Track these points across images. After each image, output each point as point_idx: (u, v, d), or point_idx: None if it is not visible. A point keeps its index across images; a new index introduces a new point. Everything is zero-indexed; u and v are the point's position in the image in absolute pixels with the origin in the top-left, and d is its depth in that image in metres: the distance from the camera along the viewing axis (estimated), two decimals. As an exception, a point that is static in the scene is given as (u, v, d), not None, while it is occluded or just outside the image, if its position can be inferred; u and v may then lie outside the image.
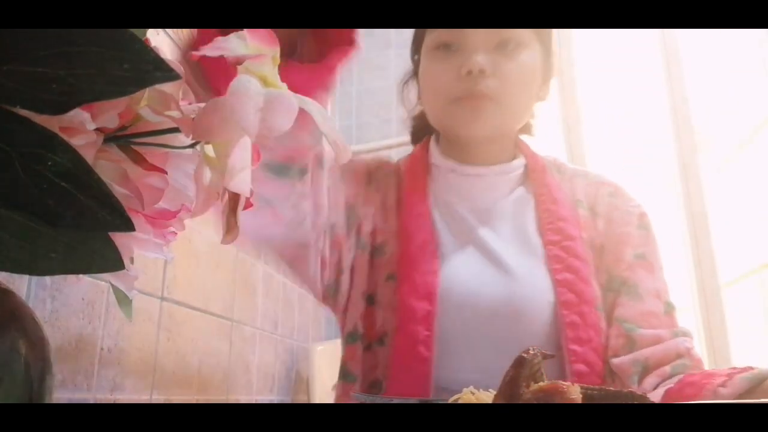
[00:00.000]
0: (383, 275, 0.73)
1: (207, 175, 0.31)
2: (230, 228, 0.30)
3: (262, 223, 0.63)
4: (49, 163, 0.26)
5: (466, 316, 0.70)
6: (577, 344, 0.68)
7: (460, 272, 0.72)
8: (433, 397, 0.66)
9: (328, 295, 0.75)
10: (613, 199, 0.81)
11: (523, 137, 0.85)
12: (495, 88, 0.71)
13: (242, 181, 0.28)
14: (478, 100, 0.71)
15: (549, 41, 0.77)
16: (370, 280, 0.74)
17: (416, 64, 0.82)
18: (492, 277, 0.72)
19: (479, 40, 0.71)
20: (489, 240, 0.75)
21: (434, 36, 0.74)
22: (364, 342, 0.72)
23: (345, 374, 0.72)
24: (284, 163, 0.60)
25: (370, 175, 0.81)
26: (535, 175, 0.80)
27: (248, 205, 0.32)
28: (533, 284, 0.71)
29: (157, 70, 0.25)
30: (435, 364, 0.67)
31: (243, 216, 0.31)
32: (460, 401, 0.42)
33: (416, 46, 0.81)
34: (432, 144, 0.83)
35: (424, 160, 0.82)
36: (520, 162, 0.81)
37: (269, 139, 0.27)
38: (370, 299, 0.73)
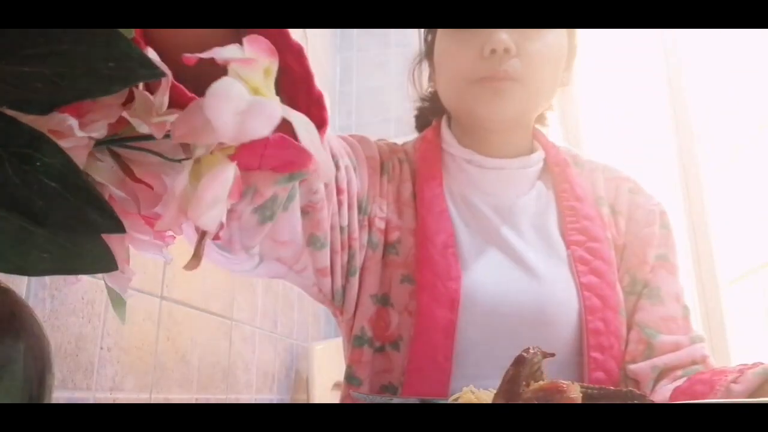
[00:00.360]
0: (398, 276, 0.69)
1: (186, 190, 0.29)
2: (196, 255, 0.30)
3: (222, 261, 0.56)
4: (38, 164, 0.26)
5: (490, 324, 0.66)
6: (599, 352, 0.65)
7: (484, 278, 0.68)
8: None
9: (335, 302, 0.70)
10: (635, 196, 0.78)
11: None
12: (520, 69, 0.66)
13: (211, 219, 0.27)
14: (502, 81, 0.66)
15: None
16: (382, 280, 0.69)
17: (429, 44, 0.77)
18: (517, 283, 0.68)
19: None
20: (512, 241, 0.71)
21: None
22: (374, 344, 0.68)
23: (350, 377, 0.68)
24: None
25: (383, 165, 0.74)
26: (557, 169, 0.76)
27: (217, 238, 0.32)
28: (560, 290, 0.68)
29: (142, 67, 0.25)
30: (455, 374, 0.64)
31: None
32: (460, 401, 0.42)
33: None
34: (444, 129, 0.78)
35: (436, 146, 0.76)
36: (539, 155, 0.77)
37: (245, 142, 0.26)
38: (383, 300, 0.69)
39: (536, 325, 0.66)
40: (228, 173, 0.28)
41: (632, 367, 0.67)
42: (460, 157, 0.75)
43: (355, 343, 0.69)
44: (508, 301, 0.66)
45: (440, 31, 0.73)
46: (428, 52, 0.78)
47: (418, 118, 0.86)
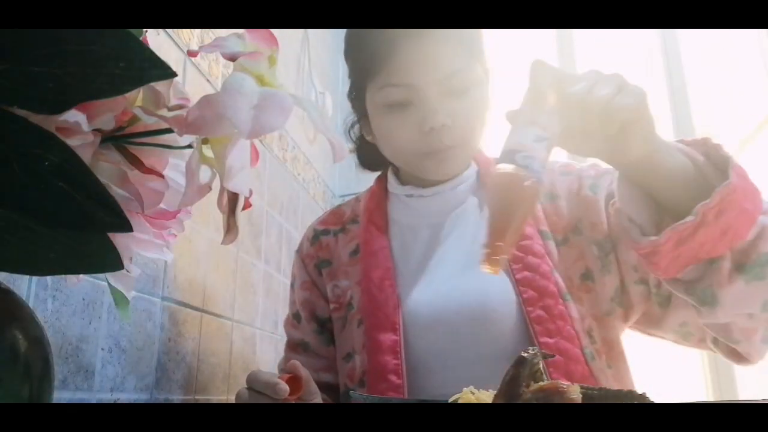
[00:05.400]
0: (355, 323, 0.76)
1: (201, 168, 0.31)
2: (230, 228, 0.30)
3: None
4: (47, 164, 0.26)
5: (436, 334, 0.72)
6: (548, 336, 0.69)
7: (422, 296, 0.75)
8: None
9: None
10: (565, 176, 0.81)
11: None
12: (458, 136, 0.74)
13: (241, 181, 0.28)
14: (444, 153, 0.74)
15: (485, 59, 0.78)
16: (347, 337, 0.77)
17: (356, 105, 0.84)
18: (456, 288, 0.74)
19: (432, 91, 0.72)
20: (448, 253, 0.78)
21: (384, 94, 0.74)
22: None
23: None
24: None
25: (317, 266, 0.87)
26: (487, 180, 0.82)
27: (247, 205, 0.32)
28: (495, 285, 0.73)
29: (153, 68, 0.25)
30: (413, 386, 0.69)
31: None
32: (460, 401, 0.42)
33: (357, 92, 0.81)
34: (390, 174, 0.88)
35: (381, 192, 0.87)
36: (471, 171, 0.84)
37: (263, 136, 0.27)
38: (349, 356, 0.76)
39: (478, 322, 0.71)
40: (243, 141, 0.28)
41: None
42: (402, 194, 0.85)
43: (344, 398, 0.77)
44: (448, 307, 0.73)
45: (373, 109, 0.78)
46: (360, 113, 0.85)
47: (364, 159, 0.93)
